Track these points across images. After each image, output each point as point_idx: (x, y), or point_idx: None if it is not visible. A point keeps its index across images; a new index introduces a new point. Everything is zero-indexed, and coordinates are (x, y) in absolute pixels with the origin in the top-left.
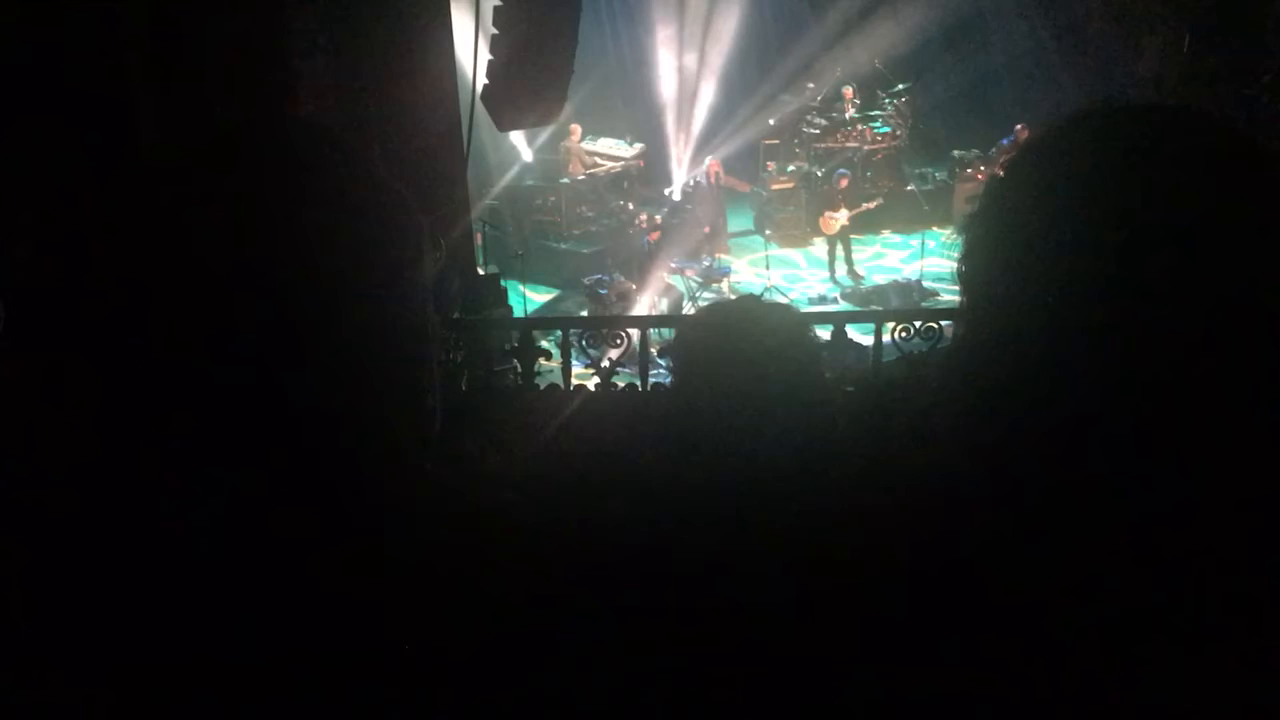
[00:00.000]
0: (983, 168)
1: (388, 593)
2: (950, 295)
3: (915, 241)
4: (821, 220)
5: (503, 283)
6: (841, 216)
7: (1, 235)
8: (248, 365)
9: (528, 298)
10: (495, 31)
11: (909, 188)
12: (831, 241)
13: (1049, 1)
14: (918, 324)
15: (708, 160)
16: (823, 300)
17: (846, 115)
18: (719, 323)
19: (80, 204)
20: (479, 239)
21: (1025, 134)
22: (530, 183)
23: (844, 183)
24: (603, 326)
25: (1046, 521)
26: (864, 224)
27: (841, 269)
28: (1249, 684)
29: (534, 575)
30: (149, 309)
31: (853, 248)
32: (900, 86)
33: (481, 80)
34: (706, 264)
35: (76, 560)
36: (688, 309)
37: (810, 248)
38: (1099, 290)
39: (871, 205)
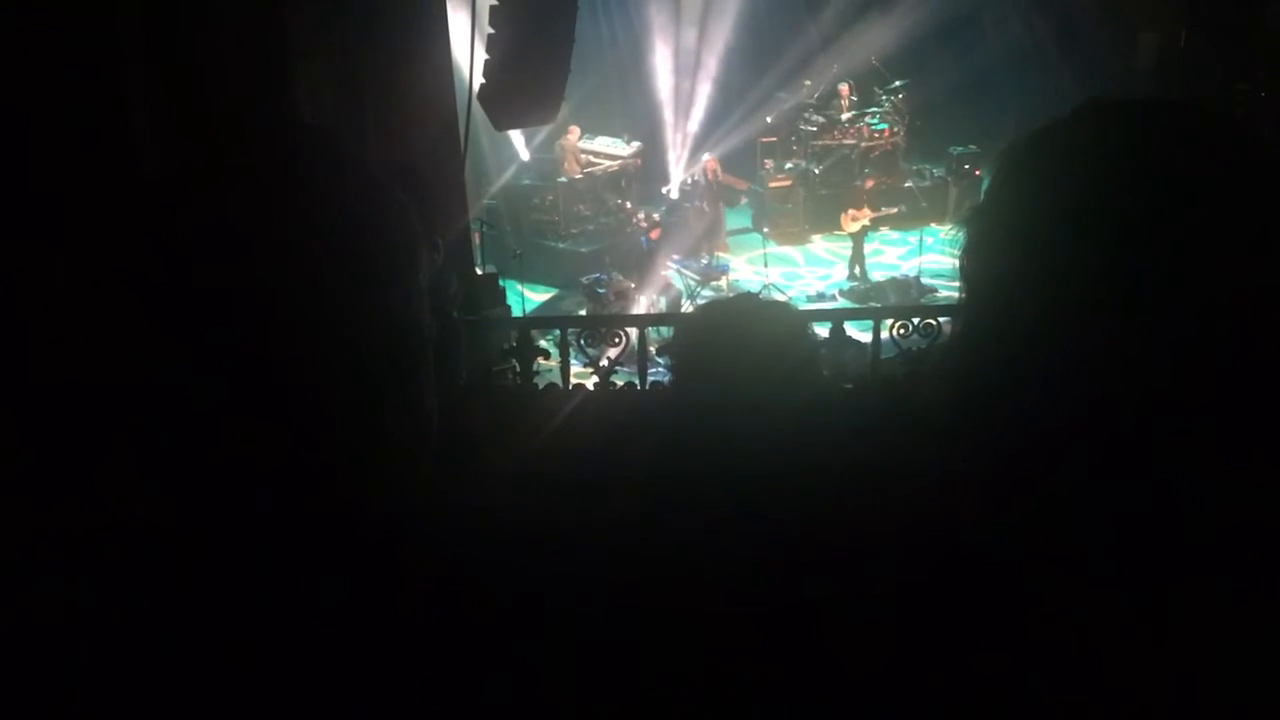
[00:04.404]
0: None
1: (388, 594)
2: (949, 292)
3: (913, 238)
4: (843, 217)
5: (501, 282)
6: (864, 217)
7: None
8: (245, 369)
9: (526, 297)
10: (492, 31)
11: (907, 184)
12: (856, 240)
13: None
14: (916, 321)
15: (705, 157)
16: (821, 298)
17: (843, 113)
18: (717, 321)
19: (78, 212)
20: (477, 239)
21: None
22: (528, 182)
23: (870, 183)
24: (601, 325)
25: (1045, 518)
26: None
27: (857, 267)
28: (1248, 681)
29: (533, 575)
30: (145, 315)
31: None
32: (897, 83)
33: (478, 80)
34: (705, 262)
35: (78, 567)
36: (686, 307)
37: (809, 245)
38: (1098, 284)
39: (893, 211)
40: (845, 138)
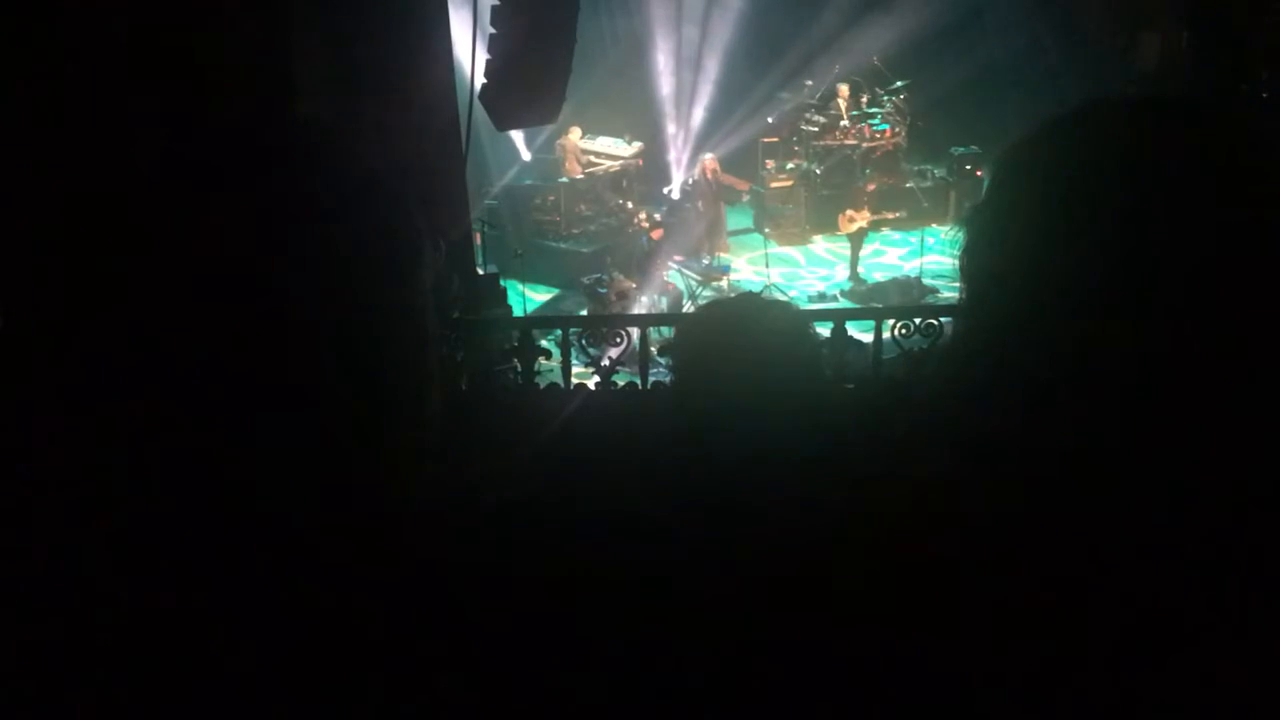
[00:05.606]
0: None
1: (389, 591)
2: (950, 292)
3: (915, 238)
4: (841, 218)
5: (502, 282)
6: (862, 219)
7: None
8: (247, 368)
9: (527, 297)
10: (493, 31)
11: (908, 185)
12: (854, 241)
13: None
14: (917, 321)
15: (706, 157)
16: (822, 298)
17: (844, 113)
18: (719, 321)
19: (80, 209)
20: (478, 239)
21: None
22: (529, 182)
23: (872, 186)
24: (602, 325)
25: (1045, 513)
26: None
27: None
28: (1250, 676)
29: (534, 573)
30: (145, 313)
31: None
32: (899, 84)
33: (480, 79)
34: (706, 262)
35: (82, 557)
36: (687, 307)
37: (810, 245)
38: (1097, 283)
39: (893, 216)
40: (847, 138)
